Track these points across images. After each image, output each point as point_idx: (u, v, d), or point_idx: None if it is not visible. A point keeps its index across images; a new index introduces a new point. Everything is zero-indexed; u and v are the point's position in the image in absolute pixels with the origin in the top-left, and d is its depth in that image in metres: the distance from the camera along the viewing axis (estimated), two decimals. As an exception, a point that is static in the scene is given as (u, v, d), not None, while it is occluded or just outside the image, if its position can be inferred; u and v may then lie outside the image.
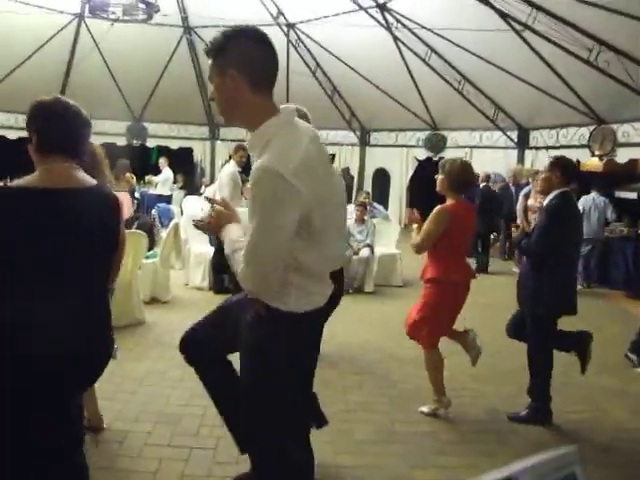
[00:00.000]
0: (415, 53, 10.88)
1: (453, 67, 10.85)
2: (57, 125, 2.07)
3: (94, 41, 11.53)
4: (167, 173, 13.06)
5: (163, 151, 14.83)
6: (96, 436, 3.31)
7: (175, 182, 13.71)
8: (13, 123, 13.10)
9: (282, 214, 1.83)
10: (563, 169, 3.84)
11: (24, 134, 2.35)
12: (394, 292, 7.86)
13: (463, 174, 3.82)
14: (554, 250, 3.75)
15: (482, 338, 5.77)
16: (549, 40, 8.36)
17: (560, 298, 3.81)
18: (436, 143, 13.43)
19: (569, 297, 3.88)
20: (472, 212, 4.12)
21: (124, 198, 6.85)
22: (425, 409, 3.92)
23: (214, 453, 3.26)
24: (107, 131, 13.64)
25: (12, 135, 12.94)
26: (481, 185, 10.04)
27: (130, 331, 5.36)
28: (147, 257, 6.59)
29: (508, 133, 11.96)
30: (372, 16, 10.38)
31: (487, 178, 10.34)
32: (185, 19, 11.89)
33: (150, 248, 6.85)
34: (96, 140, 4.14)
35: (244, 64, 1.91)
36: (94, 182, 2.14)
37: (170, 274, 7.04)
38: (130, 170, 8.76)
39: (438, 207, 3.80)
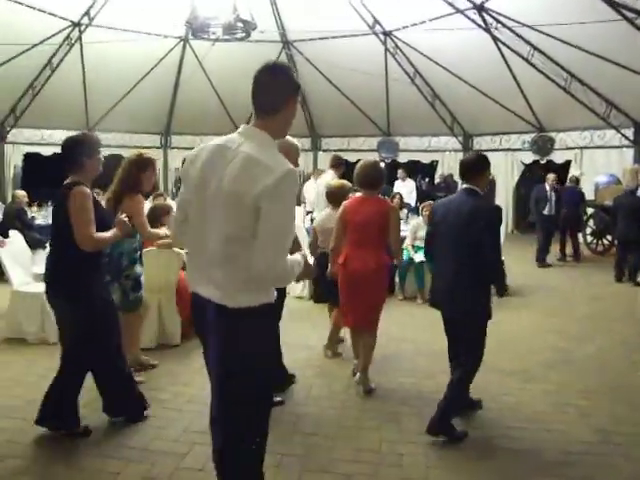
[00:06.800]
0: (517, 53, 10.48)
1: (558, 64, 10.33)
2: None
3: (198, 61, 12.10)
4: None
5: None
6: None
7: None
8: (127, 142, 14.04)
9: None
10: None
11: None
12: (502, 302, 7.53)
13: (364, 173, 4.18)
14: None
15: (586, 350, 5.42)
16: (667, 27, 7.75)
17: None
18: (543, 145, 12.84)
19: None
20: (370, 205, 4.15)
21: None
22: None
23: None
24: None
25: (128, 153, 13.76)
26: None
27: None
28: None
29: (622, 131, 11.18)
30: (470, 18, 10.11)
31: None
32: (283, 34, 12.18)
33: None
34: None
35: None
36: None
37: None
38: None
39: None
